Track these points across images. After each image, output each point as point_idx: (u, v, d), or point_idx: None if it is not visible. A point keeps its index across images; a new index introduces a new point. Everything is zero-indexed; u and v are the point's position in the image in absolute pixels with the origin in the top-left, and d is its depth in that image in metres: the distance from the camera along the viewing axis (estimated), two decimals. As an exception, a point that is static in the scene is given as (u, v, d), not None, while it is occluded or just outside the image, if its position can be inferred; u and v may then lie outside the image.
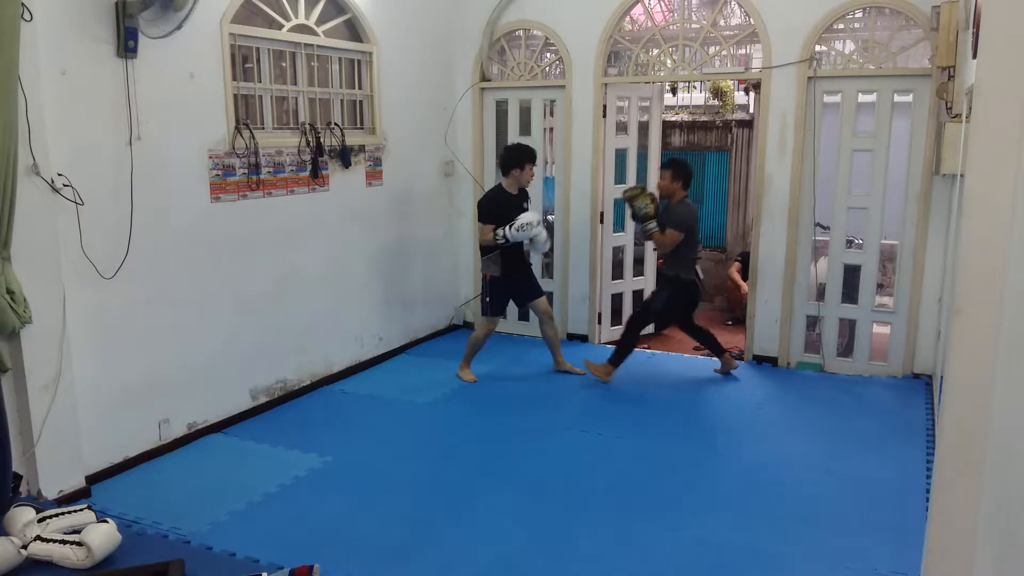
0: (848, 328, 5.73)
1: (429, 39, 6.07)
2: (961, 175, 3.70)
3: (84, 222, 3.60)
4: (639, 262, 6.67)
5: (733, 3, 5.66)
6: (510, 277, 5.27)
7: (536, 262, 6.51)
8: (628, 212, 5.41)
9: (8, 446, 2.28)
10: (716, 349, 5.54)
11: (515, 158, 5.18)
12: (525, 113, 6.34)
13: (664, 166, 5.38)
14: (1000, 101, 1.55)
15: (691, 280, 5.34)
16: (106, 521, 3.18)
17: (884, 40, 5.21)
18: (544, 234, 5.16)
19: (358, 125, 5.53)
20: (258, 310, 4.70)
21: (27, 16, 3.21)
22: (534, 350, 6.04)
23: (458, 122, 6.45)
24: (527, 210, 5.21)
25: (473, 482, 3.86)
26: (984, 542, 1.60)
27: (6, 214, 3.16)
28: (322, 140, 5.03)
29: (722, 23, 5.79)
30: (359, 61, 5.45)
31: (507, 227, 5.03)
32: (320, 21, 5.03)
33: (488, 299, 5.29)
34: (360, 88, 5.48)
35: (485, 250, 5.21)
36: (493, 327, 5.40)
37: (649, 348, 6.36)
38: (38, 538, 3.07)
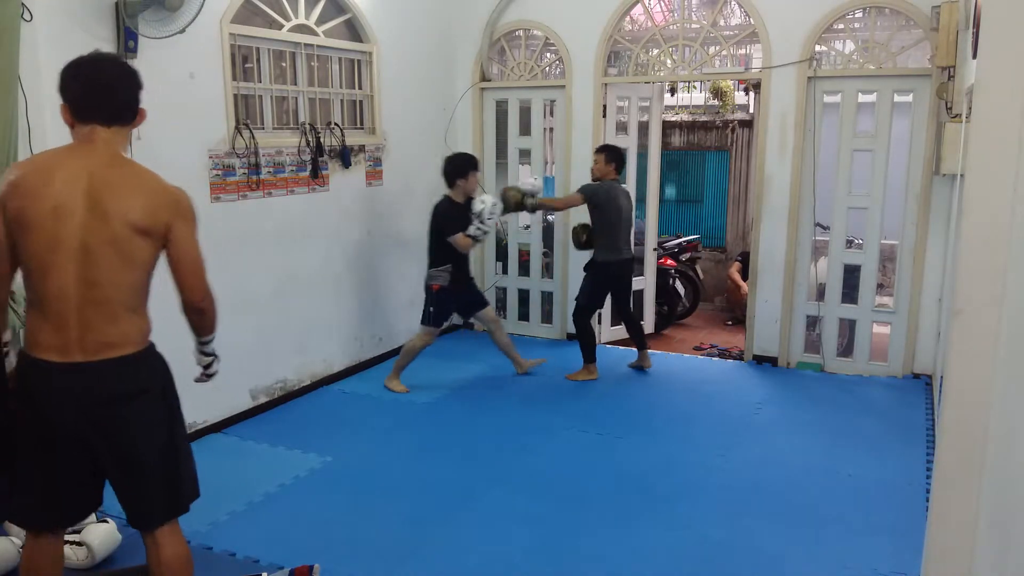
0: (848, 328, 5.74)
1: (429, 39, 6.08)
2: (961, 175, 3.70)
3: (84, 222, 3.59)
4: (639, 262, 6.66)
5: (733, 3, 5.67)
6: (458, 289, 5.13)
7: (536, 262, 6.52)
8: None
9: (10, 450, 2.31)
10: (640, 342, 5.64)
11: (459, 168, 5.10)
12: (525, 113, 6.34)
13: (598, 150, 5.44)
14: (1000, 101, 1.55)
15: (609, 262, 5.29)
16: (106, 521, 3.17)
17: (884, 40, 5.21)
18: (501, 206, 5.11)
19: (358, 125, 5.53)
20: (258, 310, 4.69)
21: (27, 16, 3.21)
22: (534, 350, 6.03)
23: (458, 122, 6.45)
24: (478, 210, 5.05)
25: (473, 482, 3.86)
26: (984, 542, 1.60)
27: (6, 214, 3.19)
28: (322, 140, 5.03)
29: (722, 23, 5.79)
30: (359, 61, 5.45)
31: (475, 225, 4.92)
32: (320, 21, 5.03)
33: (432, 309, 5.09)
34: (360, 88, 5.48)
35: (437, 261, 5.05)
36: (433, 339, 5.20)
37: (649, 348, 6.35)
38: (38, 538, 3.08)
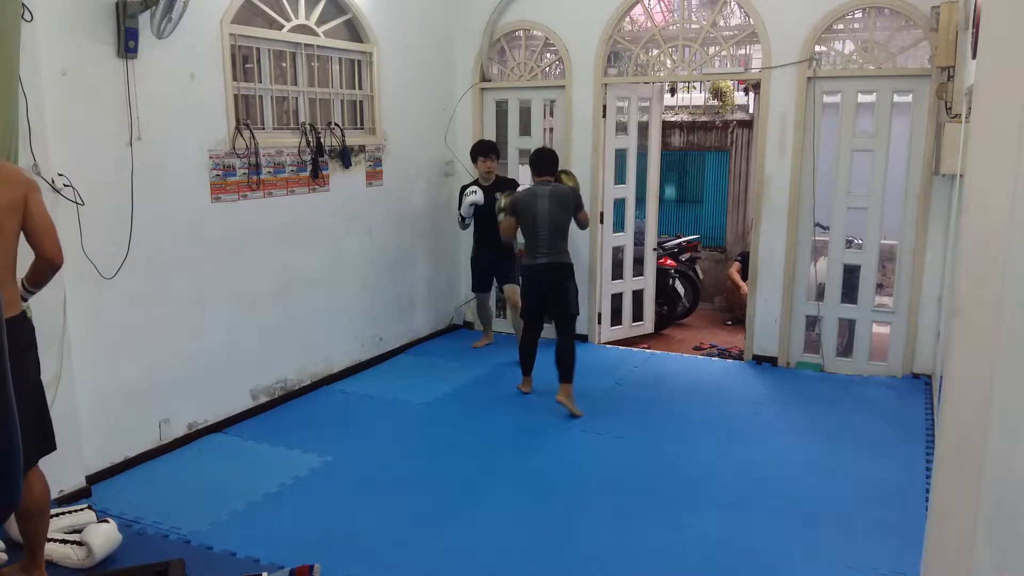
0: (847, 328, 5.74)
1: (429, 39, 6.08)
2: (961, 175, 3.70)
3: (84, 222, 3.60)
4: (639, 262, 6.67)
5: (733, 3, 5.67)
6: (484, 257, 5.89)
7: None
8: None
9: (18, 445, 2.35)
10: (562, 373, 4.83)
11: (471, 153, 5.86)
12: (525, 113, 6.35)
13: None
14: (1000, 101, 1.55)
15: (528, 265, 4.95)
16: (107, 521, 3.18)
17: (884, 40, 5.21)
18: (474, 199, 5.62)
19: (358, 125, 5.53)
20: (258, 310, 4.70)
21: (27, 16, 3.21)
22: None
23: (458, 122, 6.45)
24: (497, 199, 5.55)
25: (473, 482, 3.86)
26: (984, 542, 1.60)
27: (6, 214, 3.22)
28: (322, 140, 5.03)
29: (722, 23, 5.79)
30: (359, 61, 5.45)
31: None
32: (320, 21, 5.03)
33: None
34: (360, 88, 5.48)
35: None
36: (480, 301, 6.15)
37: (649, 348, 6.36)
38: (38, 538, 3.07)
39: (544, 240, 4.86)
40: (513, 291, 5.77)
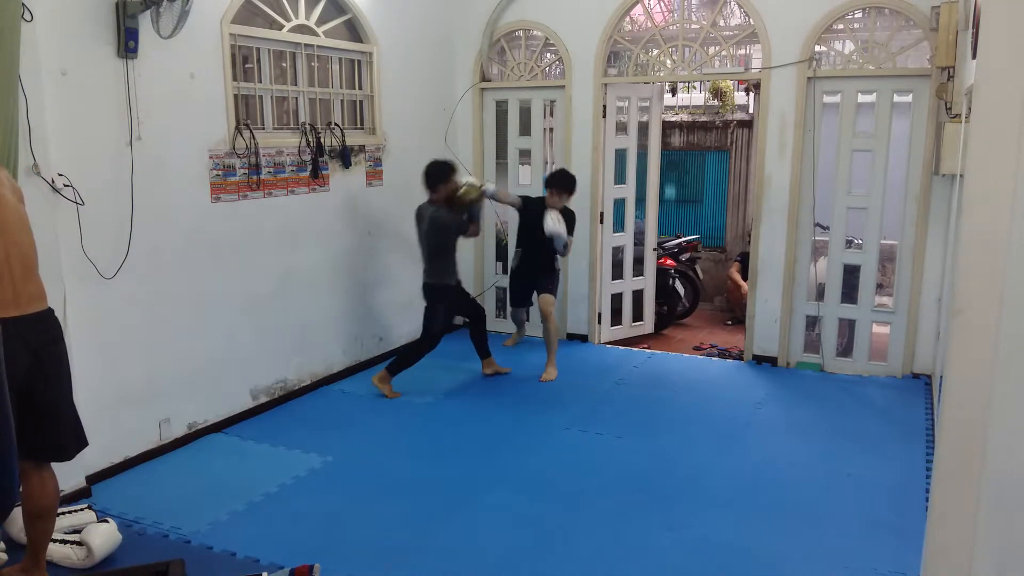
0: (847, 328, 5.74)
1: (429, 39, 6.08)
2: (961, 175, 3.70)
3: (84, 222, 3.60)
4: (639, 262, 6.67)
5: (733, 3, 5.67)
6: (524, 272, 5.73)
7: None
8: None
9: (13, 445, 2.35)
10: (392, 366, 5.13)
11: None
12: (525, 113, 6.35)
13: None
14: (1000, 101, 1.55)
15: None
16: (106, 521, 3.18)
17: (884, 40, 5.21)
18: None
19: (358, 125, 5.53)
20: (258, 310, 4.70)
21: (28, 16, 3.21)
22: (534, 351, 6.04)
23: (458, 122, 6.46)
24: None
25: (473, 482, 3.86)
26: (984, 542, 1.60)
27: (6, 214, 3.22)
28: (322, 140, 5.03)
29: (722, 23, 5.79)
30: (359, 61, 5.45)
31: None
32: (320, 21, 5.03)
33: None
34: (360, 88, 5.48)
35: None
36: (514, 312, 6.18)
37: (649, 348, 6.36)
38: (38, 538, 3.07)
39: (424, 259, 5.12)
40: (546, 301, 5.56)
